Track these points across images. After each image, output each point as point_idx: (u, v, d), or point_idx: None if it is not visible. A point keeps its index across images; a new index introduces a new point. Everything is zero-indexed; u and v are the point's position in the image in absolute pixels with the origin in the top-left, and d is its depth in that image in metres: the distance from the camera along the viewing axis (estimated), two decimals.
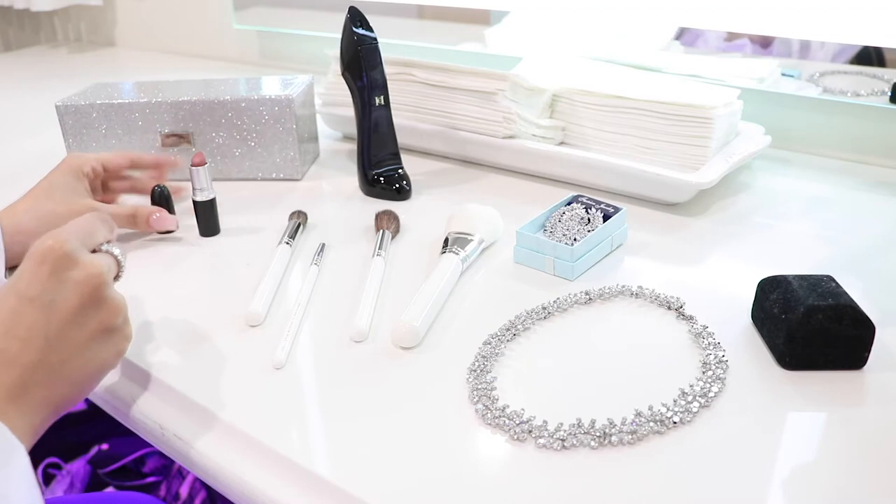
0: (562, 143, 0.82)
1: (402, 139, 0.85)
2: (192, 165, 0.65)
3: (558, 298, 0.55)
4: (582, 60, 0.91)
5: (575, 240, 0.59)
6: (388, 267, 0.61)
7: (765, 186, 0.76)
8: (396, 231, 0.67)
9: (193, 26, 1.44)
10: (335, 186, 0.79)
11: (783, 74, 0.98)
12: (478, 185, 0.79)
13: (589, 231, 0.60)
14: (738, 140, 0.77)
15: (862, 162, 0.82)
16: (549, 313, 0.54)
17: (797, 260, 0.61)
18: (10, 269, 0.58)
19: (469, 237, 0.61)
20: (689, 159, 0.74)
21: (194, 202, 0.66)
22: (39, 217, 0.60)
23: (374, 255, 0.61)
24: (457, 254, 0.59)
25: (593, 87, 0.79)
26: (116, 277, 0.45)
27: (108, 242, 0.46)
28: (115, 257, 0.45)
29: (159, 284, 0.60)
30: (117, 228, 0.53)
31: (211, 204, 0.66)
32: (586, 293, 0.55)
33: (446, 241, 0.61)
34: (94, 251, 0.44)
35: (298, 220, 0.67)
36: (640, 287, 0.56)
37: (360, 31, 0.72)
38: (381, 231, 0.64)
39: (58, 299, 0.40)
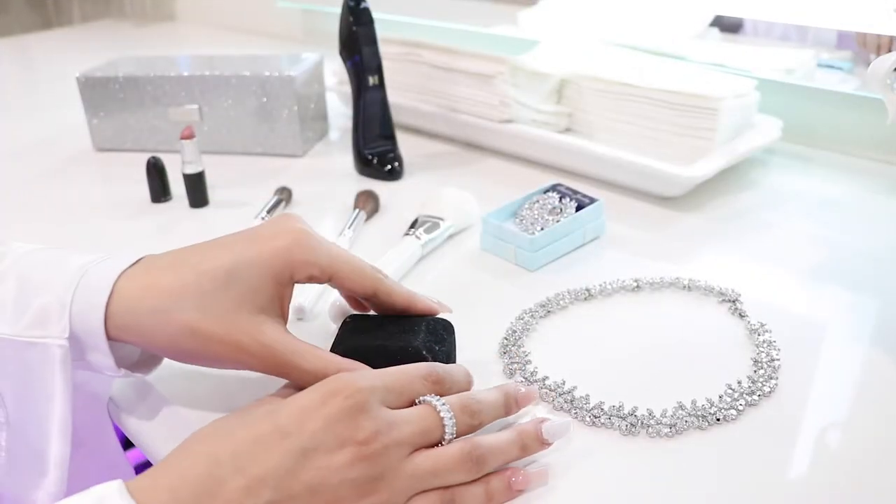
0: (567, 130, 0.80)
1: (405, 120, 0.85)
2: (181, 139, 0.67)
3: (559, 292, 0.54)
4: (600, 46, 0.88)
5: (542, 229, 0.58)
6: (356, 246, 0.61)
7: (774, 184, 0.72)
8: (374, 211, 0.67)
9: (243, 3, 1.47)
10: (333, 165, 0.80)
11: (829, 66, 0.92)
12: (474, 169, 0.78)
13: (557, 221, 0.59)
14: (748, 134, 0.73)
15: (891, 163, 0.76)
16: (548, 311, 0.53)
17: (784, 262, 0.58)
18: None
19: (438, 221, 0.61)
20: (693, 151, 0.70)
21: (183, 175, 0.68)
22: (176, 323, 0.36)
23: (339, 235, 0.61)
24: (418, 238, 0.59)
25: (601, 74, 0.76)
26: (438, 444, 0.35)
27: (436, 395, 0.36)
28: (438, 414, 0.34)
29: (138, 249, 0.63)
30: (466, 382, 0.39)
31: (199, 177, 0.68)
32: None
33: (414, 222, 0.61)
34: (409, 404, 0.35)
35: (280, 197, 0.68)
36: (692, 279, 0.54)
37: (356, 7, 0.72)
38: (357, 210, 0.65)
39: (318, 451, 0.31)
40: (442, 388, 0.37)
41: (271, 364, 0.37)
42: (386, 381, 0.34)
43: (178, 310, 0.36)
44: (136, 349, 0.41)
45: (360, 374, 0.34)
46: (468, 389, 0.39)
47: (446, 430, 0.34)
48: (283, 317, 0.39)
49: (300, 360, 0.37)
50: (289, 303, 0.40)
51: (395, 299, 0.42)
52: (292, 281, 0.39)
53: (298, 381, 0.37)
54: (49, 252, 0.40)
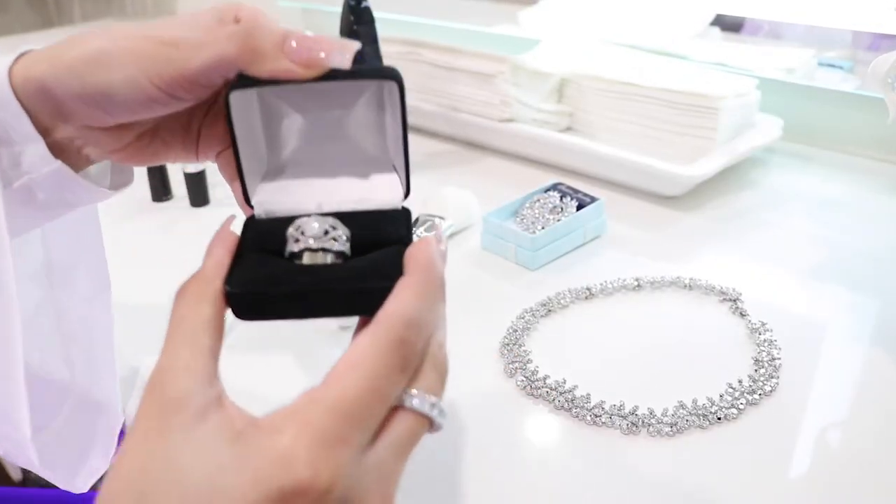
0: (568, 129, 0.80)
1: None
2: None
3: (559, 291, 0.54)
4: (601, 45, 0.88)
5: (542, 228, 0.58)
6: None
7: (774, 183, 0.72)
8: None
9: (243, 2, 1.47)
10: None
11: (829, 65, 0.92)
12: (475, 168, 0.78)
13: (558, 220, 0.59)
14: (749, 133, 0.73)
15: (891, 162, 0.76)
16: (549, 311, 0.53)
17: (784, 262, 0.58)
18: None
19: (438, 220, 0.61)
20: (694, 151, 0.70)
21: (185, 174, 0.68)
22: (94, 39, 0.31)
23: None
24: (419, 237, 0.58)
25: (602, 73, 0.77)
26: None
27: (413, 387, 0.26)
28: (428, 419, 0.26)
29: (141, 249, 0.63)
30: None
31: (200, 176, 0.68)
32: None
33: (415, 221, 0.61)
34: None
35: None
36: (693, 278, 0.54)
37: (357, 7, 0.72)
38: None
39: None
40: (416, 361, 0.26)
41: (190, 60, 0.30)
42: (356, 420, 0.24)
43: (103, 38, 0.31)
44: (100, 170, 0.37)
45: (326, 449, 0.23)
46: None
47: (435, 424, 0.27)
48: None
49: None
50: None
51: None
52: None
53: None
54: None
